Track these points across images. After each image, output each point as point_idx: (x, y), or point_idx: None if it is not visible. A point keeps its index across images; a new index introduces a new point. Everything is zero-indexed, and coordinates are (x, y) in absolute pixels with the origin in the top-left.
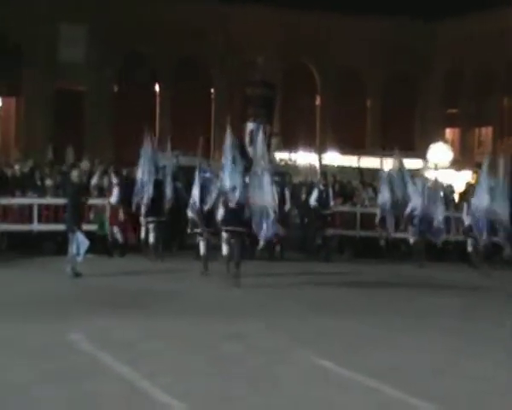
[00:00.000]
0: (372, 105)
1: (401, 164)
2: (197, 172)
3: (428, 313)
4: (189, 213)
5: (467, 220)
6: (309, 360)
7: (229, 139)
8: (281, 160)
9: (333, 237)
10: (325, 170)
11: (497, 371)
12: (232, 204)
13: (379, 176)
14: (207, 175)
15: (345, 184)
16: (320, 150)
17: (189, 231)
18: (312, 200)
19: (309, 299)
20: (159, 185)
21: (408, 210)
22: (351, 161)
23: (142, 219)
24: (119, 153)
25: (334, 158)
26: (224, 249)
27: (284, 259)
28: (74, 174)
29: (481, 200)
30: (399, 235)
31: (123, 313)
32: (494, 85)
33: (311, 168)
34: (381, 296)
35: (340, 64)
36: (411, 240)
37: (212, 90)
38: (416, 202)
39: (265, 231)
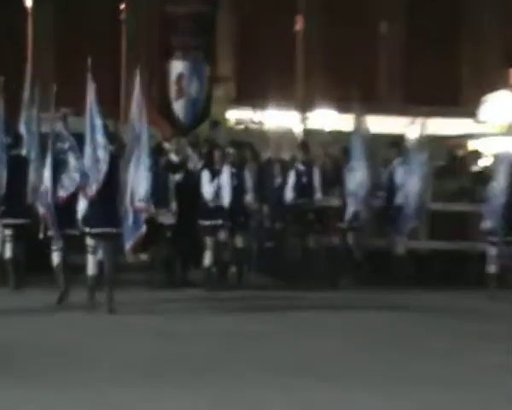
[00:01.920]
0: (389, 32)
1: None
2: (50, 142)
3: None
4: (40, 209)
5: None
6: None
7: (137, 89)
8: (237, 122)
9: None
10: (310, 139)
11: None
12: (92, 192)
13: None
14: (66, 146)
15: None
16: (303, 106)
17: (41, 235)
18: (288, 189)
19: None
20: (20, 166)
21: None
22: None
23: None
24: None
25: (326, 119)
26: (89, 263)
27: (243, 285)
28: None
29: None
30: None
31: None
32: None
33: (290, 136)
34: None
35: None
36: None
37: (122, 8)
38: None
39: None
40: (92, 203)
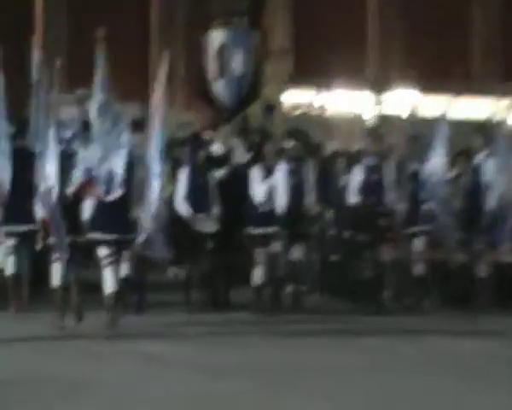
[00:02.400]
0: None
1: None
2: (51, 132)
3: None
4: (39, 211)
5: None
6: None
7: (164, 67)
8: (295, 107)
9: (400, 263)
10: (384, 126)
11: None
12: (100, 194)
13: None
14: (69, 134)
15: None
16: (377, 86)
17: (39, 245)
18: (353, 189)
19: None
20: (25, 161)
21: None
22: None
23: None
24: None
25: (405, 101)
26: (108, 279)
27: (301, 308)
28: None
29: None
30: None
31: None
32: None
33: (360, 123)
34: None
35: None
36: None
37: None
38: None
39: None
40: (101, 205)
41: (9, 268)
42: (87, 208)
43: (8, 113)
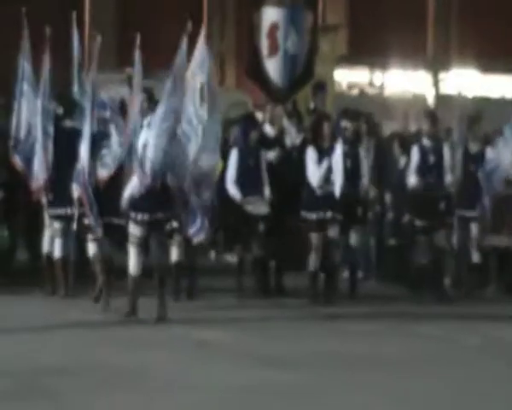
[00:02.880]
0: None
1: None
2: (88, 109)
3: None
4: (75, 191)
5: None
6: None
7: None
8: (350, 86)
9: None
10: (444, 106)
11: None
12: (143, 179)
13: None
14: (107, 114)
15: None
16: (436, 65)
17: (74, 225)
18: (410, 171)
19: None
20: (72, 142)
21: None
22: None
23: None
24: None
25: (465, 81)
26: (132, 259)
27: (358, 295)
28: None
29: None
30: None
31: None
32: None
33: (419, 104)
34: None
35: None
36: None
37: None
38: None
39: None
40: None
41: (57, 252)
42: (127, 190)
43: (55, 92)
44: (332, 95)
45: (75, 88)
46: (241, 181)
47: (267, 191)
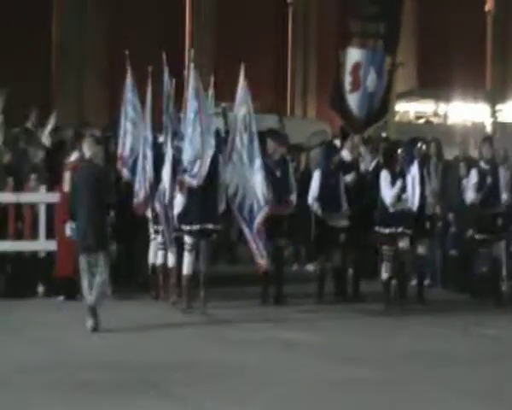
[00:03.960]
0: None
1: None
2: (168, 137)
3: None
4: (157, 206)
5: None
6: None
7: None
8: (417, 116)
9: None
10: (502, 134)
11: None
12: (193, 182)
13: None
14: (161, 140)
15: None
16: (494, 97)
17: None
18: (469, 189)
19: None
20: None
21: None
22: None
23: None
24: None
25: None
26: (186, 262)
27: (423, 300)
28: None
29: None
30: None
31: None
32: None
33: (478, 131)
34: None
35: None
36: None
37: None
38: None
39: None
40: (192, 198)
41: (170, 262)
42: (178, 203)
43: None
44: (398, 124)
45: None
46: (322, 198)
47: (345, 206)
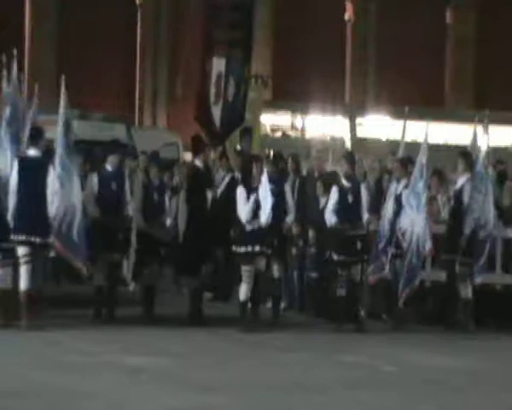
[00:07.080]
0: (460, 20)
1: None
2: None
3: None
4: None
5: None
6: None
7: None
8: (274, 129)
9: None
10: (356, 147)
11: None
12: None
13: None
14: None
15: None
16: (353, 111)
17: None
18: (328, 210)
19: None
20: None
21: None
22: (415, 130)
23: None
24: None
25: (380, 126)
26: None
27: (280, 323)
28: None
29: None
30: None
31: None
32: None
33: (336, 146)
34: None
35: None
36: None
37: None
38: None
39: None
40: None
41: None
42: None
43: None
44: (258, 137)
45: None
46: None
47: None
